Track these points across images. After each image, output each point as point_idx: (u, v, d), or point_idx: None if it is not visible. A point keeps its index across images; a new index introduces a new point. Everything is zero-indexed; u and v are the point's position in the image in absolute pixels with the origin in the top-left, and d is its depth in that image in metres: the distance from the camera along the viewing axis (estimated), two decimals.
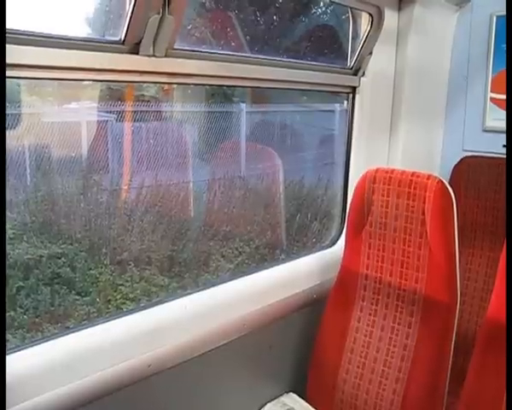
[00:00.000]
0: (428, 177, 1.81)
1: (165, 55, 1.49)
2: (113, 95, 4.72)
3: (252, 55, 2.05)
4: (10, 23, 1.19)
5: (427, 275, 1.82)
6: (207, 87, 5.35)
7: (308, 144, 6.73)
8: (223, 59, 1.72)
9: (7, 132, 3.78)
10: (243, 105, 5.87)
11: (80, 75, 1.40)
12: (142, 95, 5.05)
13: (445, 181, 1.80)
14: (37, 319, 3.74)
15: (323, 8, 5.10)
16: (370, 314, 1.97)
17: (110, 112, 4.82)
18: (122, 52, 1.41)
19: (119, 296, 4.18)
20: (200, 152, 5.51)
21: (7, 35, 1.16)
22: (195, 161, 5.28)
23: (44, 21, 1.35)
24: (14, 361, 1.33)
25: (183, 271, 4.59)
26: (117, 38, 1.41)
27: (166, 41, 1.46)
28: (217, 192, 5.27)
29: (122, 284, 4.29)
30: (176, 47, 1.53)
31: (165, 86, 4.94)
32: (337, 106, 5.75)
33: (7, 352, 1.34)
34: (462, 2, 2.45)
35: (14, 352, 1.37)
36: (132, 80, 1.50)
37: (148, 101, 5.05)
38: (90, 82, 4.45)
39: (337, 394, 1.97)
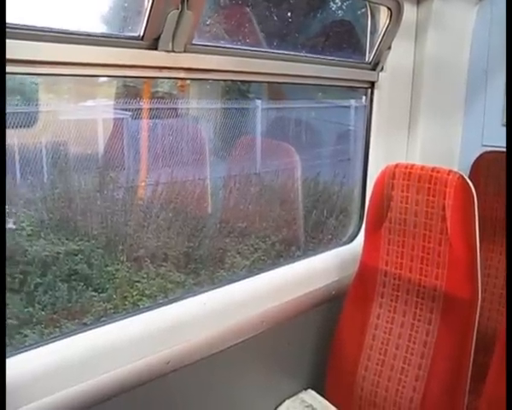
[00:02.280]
0: (449, 172, 1.79)
1: (184, 51, 1.49)
2: (130, 92, 4.73)
3: (270, 51, 2.04)
4: (28, 20, 1.20)
5: (447, 271, 1.80)
6: (222, 84, 5.35)
7: (324, 140, 6.69)
8: (241, 54, 1.72)
9: (24, 130, 3.85)
10: (259, 102, 5.86)
11: (99, 71, 1.41)
12: (157, 91, 5.06)
13: (465, 176, 1.78)
14: (54, 315, 3.76)
15: (339, 4, 5.07)
16: (390, 311, 1.95)
17: (126, 109, 4.84)
18: (141, 48, 1.42)
19: (135, 293, 4.19)
20: (215, 149, 5.51)
21: (27, 32, 1.17)
22: (211, 158, 5.28)
23: (62, 18, 1.35)
24: (32, 358, 1.35)
25: (199, 267, 4.59)
26: (136, 34, 1.41)
27: (185, 36, 1.46)
28: (232, 189, 5.26)
29: (138, 281, 4.29)
30: (194, 42, 1.52)
31: (180, 82, 4.93)
32: (353, 102, 5.72)
33: (26, 349, 1.36)
34: None
35: (32, 349, 1.38)
36: (151, 76, 1.51)
37: (163, 98, 5.05)
38: (106, 79, 4.46)
39: (356, 391, 1.96)
